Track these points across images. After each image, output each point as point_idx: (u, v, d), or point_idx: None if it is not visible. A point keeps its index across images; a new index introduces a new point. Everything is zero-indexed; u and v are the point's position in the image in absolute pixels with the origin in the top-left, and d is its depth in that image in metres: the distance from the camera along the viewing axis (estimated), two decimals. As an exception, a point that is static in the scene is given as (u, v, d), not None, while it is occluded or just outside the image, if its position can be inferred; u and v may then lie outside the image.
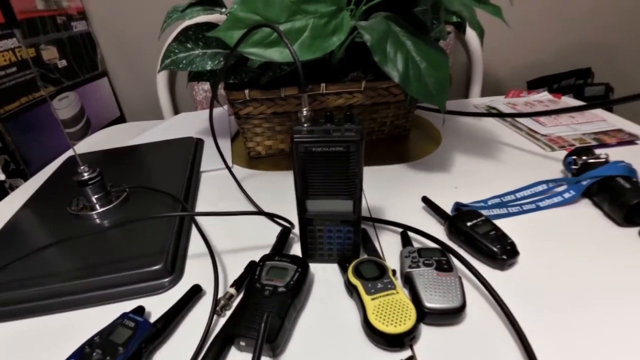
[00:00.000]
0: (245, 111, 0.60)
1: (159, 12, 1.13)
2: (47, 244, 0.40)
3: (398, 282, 0.35)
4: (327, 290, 0.37)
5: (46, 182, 0.61)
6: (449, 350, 0.31)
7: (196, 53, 0.57)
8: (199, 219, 0.49)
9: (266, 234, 0.45)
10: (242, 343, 0.31)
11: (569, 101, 0.81)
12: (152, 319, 0.34)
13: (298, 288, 0.34)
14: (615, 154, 0.52)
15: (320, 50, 0.46)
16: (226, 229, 0.48)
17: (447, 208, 0.46)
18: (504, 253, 0.38)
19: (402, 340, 0.30)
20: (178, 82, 1.30)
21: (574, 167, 0.50)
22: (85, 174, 0.48)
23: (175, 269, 0.40)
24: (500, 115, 0.73)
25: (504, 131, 0.69)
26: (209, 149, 0.70)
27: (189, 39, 0.58)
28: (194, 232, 0.47)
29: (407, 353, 0.31)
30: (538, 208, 0.46)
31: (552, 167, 0.55)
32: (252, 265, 0.40)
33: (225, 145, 0.70)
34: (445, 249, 0.38)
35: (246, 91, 0.57)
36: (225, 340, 0.31)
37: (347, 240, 0.39)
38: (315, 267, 0.40)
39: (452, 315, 0.32)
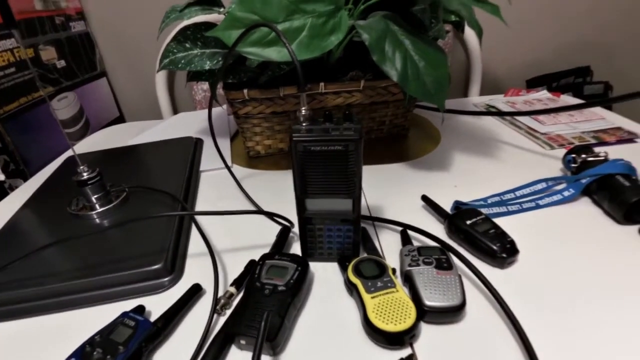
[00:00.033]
0: (244, 111, 0.60)
1: (157, 12, 1.12)
2: (47, 243, 0.40)
3: (398, 280, 0.35)
4: (327, 289, 0.38)
5: (46, 182, 0.61)
6: (449, 349, 0.31)
7: (195, 53, 0.57)
8: (198, 218, 0.49)
9: (266, 233, 0.45)
10: (243, 342, 0.31)
11: (568, 100, 0.81)
12: (153, 318, 0.34)
13: (298, 287, 0.34)
14: (614, 152, 0.52)
15: (318, 49, 0.46)
16: (226, 228, 0.48)
17: (447, 207, 0.46)
18: (503, 251, 0.38)
19: (402, 339, 0.30)
20: (177, 82, 1.30)
21: (573, 165, 0.50)
22: (85, 174, 0.48)
23: (175, 268, 0.40)
24: (499, 113, 0.73)
25: (503, 130, 0.69)
26: (208, 148, 0.70)
27: (187, 39, 0.58)
28: (194, 231, 0.47)
29: (407, 351, 0.31)
30: (537, 206, 0.46)
31: (552, 165, 0.56)
32: (252, 264, 0.40)
33: (225, 144, 0.70)
34: (445, 247, 0.39)
35: (245, 91, 0.57)
36: (226, 339, 0.32)
37: (347, 239, 0.39)
38: (315, 266, 0.40)
39: (451, 314, 0.32)
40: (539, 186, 0.49)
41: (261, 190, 0.55)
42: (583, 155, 0.50)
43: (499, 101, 0.81)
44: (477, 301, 0.34)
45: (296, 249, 0.43)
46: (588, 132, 0.64)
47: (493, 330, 0.32)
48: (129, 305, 0.36)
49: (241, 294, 0.36)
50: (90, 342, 0.30)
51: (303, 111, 0.34)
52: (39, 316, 0.37)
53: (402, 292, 0.33)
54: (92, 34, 1.28)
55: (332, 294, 0.37)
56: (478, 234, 0.40)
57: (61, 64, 1.12)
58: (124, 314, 0.33)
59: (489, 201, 0.48)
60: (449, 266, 0.35)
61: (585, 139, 0.62)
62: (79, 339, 0.31)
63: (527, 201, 0.47)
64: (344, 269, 0.37)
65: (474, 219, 0.41)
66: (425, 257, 0.36)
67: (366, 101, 0.61)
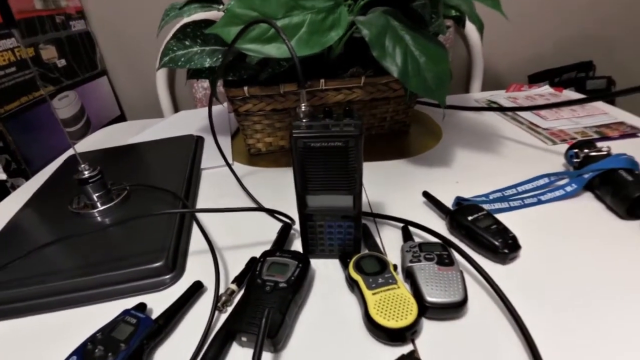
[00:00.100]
0: (245, 108, 0.60)
1: (157, 10, 1.12)
2: (48, 242, 0.40)
3: (399, 276, 0.35)
4: (328, 286, 0.37)
5: (47, 181, 0.61)
6: (451, 345, 0.30)
7: (194, 50, 0.57)
8: (199, 216, 0.49)
9: (267, 230, 0.45)
10: (244, 339, 0.31)
11: (570, 95, 0.80)
12: (154, 316, 0.34)
13: (299, 283, 0.34)
14: (617, 146, 0.52)
15: (318, 45, 0.46)
16: (227, 226, 0.48)
17: (448, 203, 0.46)
18: (505, 247, 0.38)
19: (403, 335, 0.30)
20: (177, 80, 1.30)
21: (575, 160, 0.50)
22: (86, 173, 0.48)
23: (176, 265, 0.40)
24: (501, 109, 0.73)
25: (505, 125, 0.69)
26: (209, 146, 0.70)
27: (187, 37, 0.57)
28: (195, 229, 0.47)
29: (409, 347, 0.31)
30: (540, 202, 0.46)
31: (554, 160, 0.55)
32: (253, 261, 0.40)
33: (226, 142, 0.70)
34: (446, 243, 0.38)
35: (245, 88, 0.57)
36: (227, 336, 0.32)
37: (348, 236, 0.39)
38: (316, 263, 0.40)
39: (453, 310, 0.32)
40: (541, 181, 0.49)
41: (262, 188, 0.55)
42: (585, 150, 0.49)
43: (500, 97, 0.81)
44: (478, 297, 0.34)
45: (297, 245, 0.43)
46: (590, 127, 0.64)
47: (495, 326, 0.32)
48: (130, 302, 0.36)
49: (242, 291, 0.36)
50: (92, 339, 0.30)
51: (303, 107, 0.33)
52: (41, 314, 0.38)
53: (403, 289, 0.33)
54: (93, 32, 1.28)
55: (333, 291, 0.37)
56: (480, 229, 0.39)
57: (62, 63, 1.12)
58: (126, 312, 0.33)
59: (491, 197, 0.48)
60: (451, 262, 0.35)
61: (587, 134, 0.62)
62: (80, 337, 0.31)
63: (529, 197, 0.47)
64: (345, 265, 0.37)
65: (476, 215, 0.41)
66: (426, 253, 0.36)
67: (367, 98, 0.61)
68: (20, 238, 0.46)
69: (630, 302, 0.33)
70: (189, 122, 0.82)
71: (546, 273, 0.36)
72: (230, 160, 0.63)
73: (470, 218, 0.41)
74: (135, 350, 0.30)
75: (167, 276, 0.39)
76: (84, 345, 0.30)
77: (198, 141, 0.70)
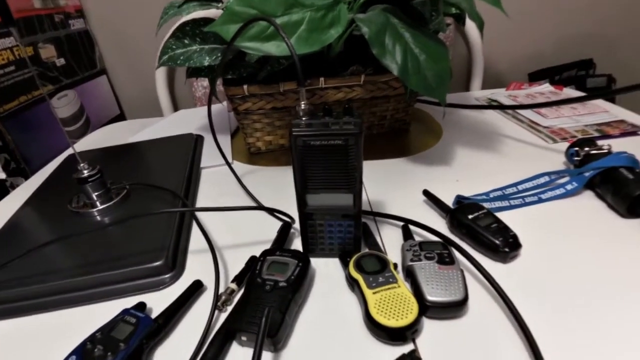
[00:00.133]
0: (244, 107, 0.59)
1: (156, 9, 1.12)
2: (47, 241, 0.40)
3: (400, 275, 0.35)
4: (329, 285, 0.37)
5: (47, 181, 0.60)
6: (452, 344, 0.30)
7: (194, 49, 0.57)
8: (199, 215, 0.49)
9: (267, 229, 0.45)
10: (244, 338, 0.31)
11: (570, 93, 0.80)
12: (154, 315, 0.34)
13: (299, 283, 0.34)
14: (617, 145, 0.52)
15: (317, 43, 0.46)
16: (227, 225, 0.47)
17: (449, 201, 0.46)
18: (506, 245, 0.37)
19: (404, 334, 0.30)
20: (177, 79, 1.29)
21: (576, 158, 0.50)
22: (85, 172, 0.48)
23: (176, 265, 0.40)
24: (501, 107, 0.72)
25: (505, 123, 0.69)
26: (208, 145, 0.69)
27: (186, 35, 0.57)
28: (195, 228, 0.47)
29: (409, 347, 0.30)
30: (540, 200, 0.46)
31: (554, 159, 0.55)
32: (253, 261, 0.40)
33: (225, 141, 0.70)
34: (446, 242, 0.38)
35: (245, 86, 0.57)
36: (227, 335, 0.31)
37: (348, 235, 0.39)
38: (316, 262, 0.40)
39: (454, 309, 0.32)
40: (542, 180, 0.49)
41: (262, 187, 0.55)
42: (586, 149, 0.49)
43: (501, 95, 0.81)
44: (479, 296, 0.34)
45: (297, 244, 0.43)
46: (591, 125, 0.64)
47: (496, 325, 0.32)
48: (129, 302, 0.36)
49: (242, 291, 0.36)
50: (91, 339, 0.30)
51: (302, 105, 0.33)
52: (40, 314, 0.37)
53: (403, 288, 0.33)
54: (92, 31, 1.28)
55: (334, 290, 0.37)
56: (480, 228, 0.39)
57: (61, 62, 1.12)
58: (125, 311, 0.33)
59: (491, 195, 0.47)
60: (451, 261, 0.35)
61: (588, 132, 0.61)
62: (79, 337, 0.31)
63: (529, 195, 0.47)
64: (345, 264, 0.37)
65: (476, 214, 0.41)
66: (427, 252, 0.36)
67: (367, 96, 0.61)
68: (19, 237, 0.46)
69: (631, 301, 0.33)
70: (188, 121, 0.82)
71: (547, 272, 0.36)
72: (230, 159, 0.63)
73: (470, 217, 0.41)
74: (135, 349, 0.30)
75: (167, 275, 0.39)
76: (83, 344, 0.30)
77: (198, 140, 0.70)
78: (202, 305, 0.36)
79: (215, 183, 0.58)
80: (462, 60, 1.26)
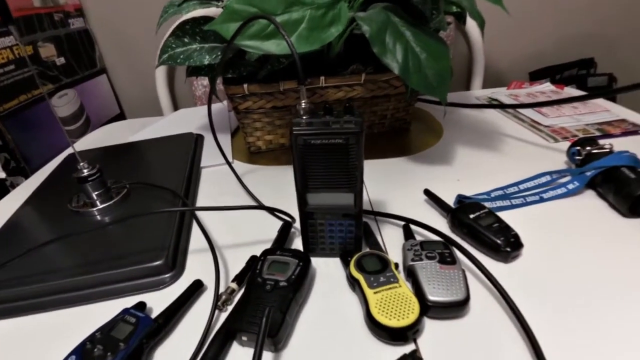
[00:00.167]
0: (245, 106, 0.59)
1: (156, 8, 1.12)
2: (47, 240, 0.40)
3: (401, 275, 0.34)
4: (329, 285, 0.37)
5: (47, 180, 0.60)
6: (453, 344, 0.30)
7: (193, 47, 0.56)
8: (199, 214, 0.49)
9: (267, 229, 0.45)
10: (244, 338, 0.31)
11: (571, 92, 0.80)
12: (154, 315, 0.33)
13: (300, 282, 0.34)
14: (619, 144, 0.52)
15: (318, 41, 0.46)
16: (227, 224, 0.47)
17: (450, 201, 0.46)
18: (507, 245, 0.37)
19: (405, 334, 0.30)
20: (177, 78, 1.29)
21: (577, 157, 0.50)
22: (85, 171, 0.47)
23: (176, 264, 0.40)
24: (502, 106, 0.72)
25: (506, 123, 0.68)
26: (208, 144, 0.69)
27: (186, 34, 0.57)
28: (195, 227, 0.47)
29: (411, 347, 0.30)
30: (542, 200, 0.46)
31: (556, 158, 0.55)
32: (253, 260, 0.40)
33: (225, 140, 0.70)
34: (448, 241, 0.38)
35: (245, 85, 0.56)
36: (227, 335, 0.31)
37: (349, 234, 0.38)
38: (316, 261, 0.39)
39: (455, 309, 0.32)
40: (543, 179, 0.49)
41: (262, 186, 0.55)
42: (588, 148, 0.49)
43: (501, 94, 0.81)
44: (481, 296, 0.34)
45: (298, 244, 0.43)
46: (592, 125, 0.63)
47: (497, 325, 0.31)
48: (129, 301, 0.36)
49: (242, 290, 0.36)
50: (91, 339, 0.30)
51: (303, 104, 0.33)
52: (40, 313, 0.37)
53: (405, 287, 0.33)
54: (92, 30, 1.28)
55: (334, 290, 0.37)
56: (481, 227, 0.39)
57: (61, 61, 1.12)
58: (125, 311, 0.33)
59: (493, 195, 0.47)
60: (453, 260, 0.35)
61: (589, 132, 0.61)
62: (79, 336, 0.31)
63: (531, 194, 0.47)
64: (346, 264, 0.37)
65: (478, 213, 0.41)
66: (428, 251, 0.36)
67: (367, 95, 0.60)
68: (19, 236, 0.46)
69: (632, 301, 0.32)
70: (188, 120, 0.82)
71: (548, 271, 0.36)
72: (230, 159, 0.62)
73: (472, 216, 0.40)
74: (135, 349, 0.30)
75: (167, 275, 0.39)
76: (83, 344, 0.30)
77: (198, 139, 0.70)
78: (203, 305, 0.36)
79: (216, 182, 0.58)
80: (463, 59, 1.26)
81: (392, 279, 0.33)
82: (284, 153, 0.65)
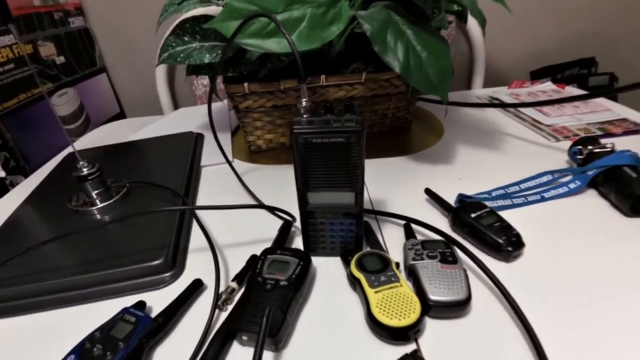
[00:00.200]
0: (245, 104, 0.59)
1: (156, 7, 1.11)
2: (47, 239, 0.40)
3: (402, 274, 0.34)
4: (330, 284, 0.37)
5: (46, 179, 0.60)
6: (454, 344, 0.30)
7: (194, 46, 0.56)
8: (199, 213, 0.49)
9: (267, 228, 0.45)
10: (244, 337, 0.31)
11: (573, 91, 0.79)
12: (153, 314, 0.33)
13: (300, 282, 0.34)
14: (620, 143, 0.51)
15: (319, 40, 0.45)
16: (227, 223, 0.47)
17: (451, 200, 0.45)
18: (509, 244, 0.37)
19: (406, 334, 0.30)
20: (177, 77, 1.29)
21: (579, 157, 0.49)
22: (85, 170, 0.47)
23: (176, 263, 0.40)
24: (503, 105, 0.72)
25: (507, 122, 0.68)
26: (209, 143, 0.69)
27: (186, 32, 0.57)
28: (195, 226, 0.47)
29: (412, 347, 0.30)
30: (543, 199, 0.46)
31: (557, 157, 0.55)
32: (253, 259, 0.40)
33: (226, 139, 0.70)
34: (449, 240, 0.38)
35: (245, 84, 0.56)
36: (227, 334, 0.31)
37: (350, 233, 0.38)
38: (317, 261, 0.39)
39: (457, 308, 0.32)
40: (545, 178, 0.48)
41: (262, 185, 0.55)
42: (589, 147, 0.49)
43: (502, 93, 0.80)
44: (482, 295, 0.34)
45: (298, 243, 0.43)
46: (594, 124, 0.63)
47: (499, 324, 0.31)
48: (129, 301, 0.36)
49: (243, 290, 0.35)
50: (90, 338, 0.30)
51: (304, 103, 0.33)
52: (39, 312, 0.37)
53: (406, 287, 0.32)
54: (91, 29, 1.27)
55: (335, 289, 0.36)
56: (483, 227, 0.39)
57: (60, 60, 1.11)
58: (125, 310, 0.33)
59: (494, 194, 0.47)
60: (454, 260, 0.35)
61: (590, 131, 0.61)
62: (79, 336, 0.31)
63: (532, 194, 0.46)
64: (346, 263, 0.37)
65: (479, 212, 0.41)
66: (429, 250, 0.36)
67: (368, 94, 0.60)
68: (19, 235, 0.45)
69: (634, 300, 0.32)
70: (188, 119, 0.81)
71: (550, 271, 0.36)
72: (230, 158, 0.62)
73: (473, 215, 0.40)
74: (135, 349, 0.30)
75: (167, 274, 0.39)
76: (82, 344, 0.30)
77: (198, 138, 0.70)
78: (203, 304, 0.36)
79: (216, 181, 0.58)
80: (464, 59, 1.25)
81: (393, 279, 0.33)
82: (285, 152, 0.65)
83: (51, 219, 0.48)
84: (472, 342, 0.30)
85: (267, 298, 0.32)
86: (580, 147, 0.50)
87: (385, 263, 0.35)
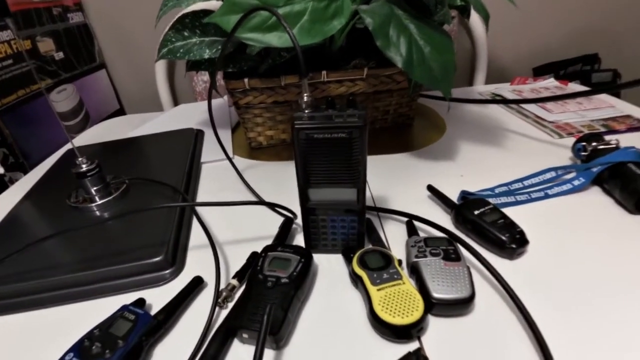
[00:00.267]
0: (245, 100, 0.59)
1: (156, 1, 1.10)
2: (46, 236, 0.39)
3: (404, 272, 0.34)
4: (332, 281, 0.37)
5: (45, 175, 0.60)
6: (458, 342, 0.30)
7: (193, 41, 0.56)
8: (199, 210, 0.48)
9: (268, 225, 0.44)
10: (245, 335, 0.30)
11: (576, 88, 0.79)
12: (153, 312, 0.33)
13: (301, 279, 0.33)
14: (624, 140, 0.51)
15: (320, 34, 0.45)
16: (227, 220, 0.47)
17: (453, 197, 0.45)
18: (513, 242, 0.37)
19: (409, 332, 0.30)
20: (177, 73, 1.28)
21: (583, 153, 0.49)
22: (84, 166, 0.47)
23: (176, 260, 0.40)
24: (505, 101, 0.71)
25: (509, 118, 0.68)
26: (209, 140, 0.69)
27: (185, 27, 0.56)
28: (195, 223, 0.47)
29: (415, 345, 0.30)
30: (547, 196, 0.45)
31: (561, 154, 0.54)
32: (254, 256, 0.39)
33: (226, 136, 0.69)
34: (452, 238, 0.38)
35: (245, 80, 0.56)
36: (228, 332, 0.31)
37: (351, 230, 0.38)
38: (319, 258, 0.39)
39: (460, 306, 0.31)
40: (548, 175, 0.48)
41: (263, 181, 0.54)
42: (593, 144, 0.48)
43: (505, 90, 0.80)
44: (486, 293, 0.34)
45: (299, 240, 0.43)
46: (597, 120, 0.63)
47: (503, 322, 0.31)
48: (129, 298, 0.35)
49: (243, 287, 0.35)
50: (89, 336, 0.30)
51: (305, 98, 0.32)
52: (38, 310, 0.37)
53: (408, 284, 0.32)
54: (91, 25, 1.26)
55: (337, 286, 0.36)
56: (486, 224, 0.38)
57: (59, 55, 1.11)
58: (124, 307, 0.32)
59: (497, 191, 0.47)
60: (457, 257, 0.34)
61: (594, 127, 0.61)
62: (77, 333, 0.30)
63: (535, 191, 0.46)
64: (348, 260, 0.36)
65: (482, 209, 0.40)
66: (432, 248, 0.35)
67: (370, 90, 0.60)
68: (18, 232, 0.45)
69: (638, 298, 0.32)
70: (188, 115, 0.81)
71: (554, 268, 0.36)
72: (230, 154, 0.62)
73: (476, 212, 0.40)
74: (134, 347, 0.29)
75: (167, 271, 0.38)
76: (80, 341, 0.29)
77: (198, 135, 0.69)
78: (203, 302, 0.36)
79: (216, 178, 0.57)
80: (466, 55, 1.25)
81: (395, 276, 0.33)
82: (285, 149, 0.64)
83: (50, 216, 0.48)
84: (476, 340, 0.30)
85: (268, 296, 0.32)
86: (584, 143, 0.49)
87: (387, 260, 0.34)
